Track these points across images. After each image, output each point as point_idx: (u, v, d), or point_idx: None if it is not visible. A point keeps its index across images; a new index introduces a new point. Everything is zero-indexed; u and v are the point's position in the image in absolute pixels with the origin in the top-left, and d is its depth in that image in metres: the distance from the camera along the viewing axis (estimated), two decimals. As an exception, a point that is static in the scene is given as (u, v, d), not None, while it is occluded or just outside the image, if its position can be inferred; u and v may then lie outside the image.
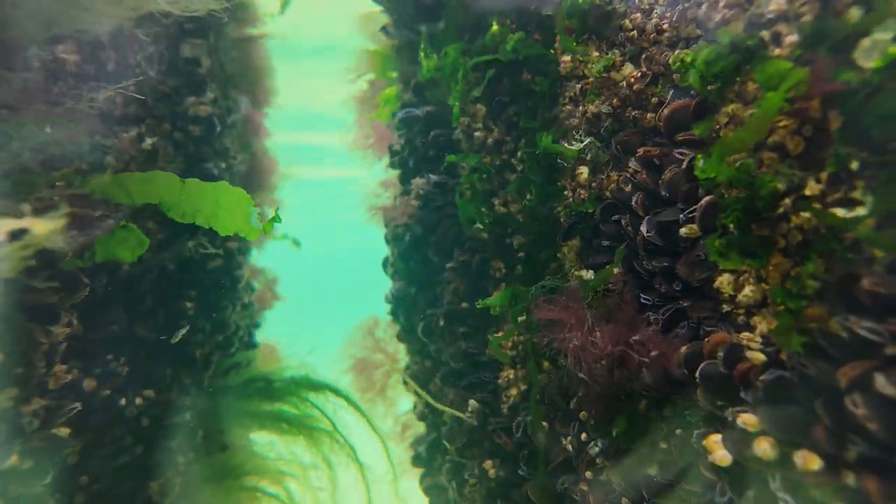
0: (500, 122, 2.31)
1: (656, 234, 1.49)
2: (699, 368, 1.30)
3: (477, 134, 2.40)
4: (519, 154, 2.23)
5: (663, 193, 1.51)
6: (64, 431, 1.56)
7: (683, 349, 1.40)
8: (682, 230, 1.40)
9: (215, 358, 2.90)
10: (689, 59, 1.30)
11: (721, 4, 1.21)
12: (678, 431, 1.50)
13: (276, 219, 2.21)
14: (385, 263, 3.31)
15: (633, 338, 1.51)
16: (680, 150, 1.46)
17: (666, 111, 1.50)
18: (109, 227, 1.90)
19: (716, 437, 1.22)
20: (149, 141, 2.42)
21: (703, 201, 1.32)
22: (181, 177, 2.67)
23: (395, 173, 3.09)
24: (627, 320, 1.58)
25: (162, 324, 2.56)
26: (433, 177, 2.70)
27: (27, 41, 1.36)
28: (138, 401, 2.40)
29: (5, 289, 1.32)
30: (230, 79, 2.99)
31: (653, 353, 1.49)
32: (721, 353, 1.24)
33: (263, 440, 3.06)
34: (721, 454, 1.19)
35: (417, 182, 2.78)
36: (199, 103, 2.64)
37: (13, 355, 1.34)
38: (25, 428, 1.41)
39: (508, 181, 2.30)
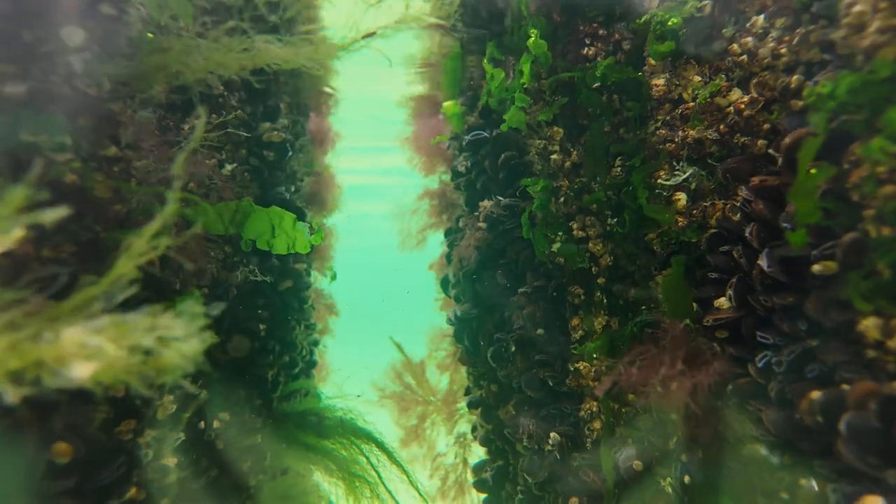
0: (579, 144, 2.26)
1: (779, 269, 1.40)
2: (844, 419, 1.20)
3: (553, 157, 2.35)
4: (598, 178, 2.17)
5: (784, 225, 1.43)
6: (171, 462, 1.59)
7: (817, 394, 1.31)
8: (816, 267, 1.31)
9: (282, 379, 2.93)
10: (826, 91, 1.22)
11: (872, 30, 1.14)
12: (804, 482, 1.39)
13: (320, 232, 2.33)
14: (445, 283, 3.28)
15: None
16: (806, 181, 1.38)
17: (788, 139, 1.42)
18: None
19: (873, 500, 1.12)
20: (228, 167, 2.49)
21: (845, 238, 1.24)
22: (257, 203, 2.73)
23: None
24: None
25: (236, 345, 2.61)
26: (503, 199, 2.67)
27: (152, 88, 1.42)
28: (215, 424, 2.43)
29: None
30: (300, 99, 3.05)
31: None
32: (874, 406, 1.15)
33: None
34: (881, 518, 1.09)
35: (485, 204, 2.75)
36: (273, 129, 2.70)
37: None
38: (142, 460, 1.43)
39: (587, 206, 2.24)
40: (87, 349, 0.86)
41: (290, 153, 2.83)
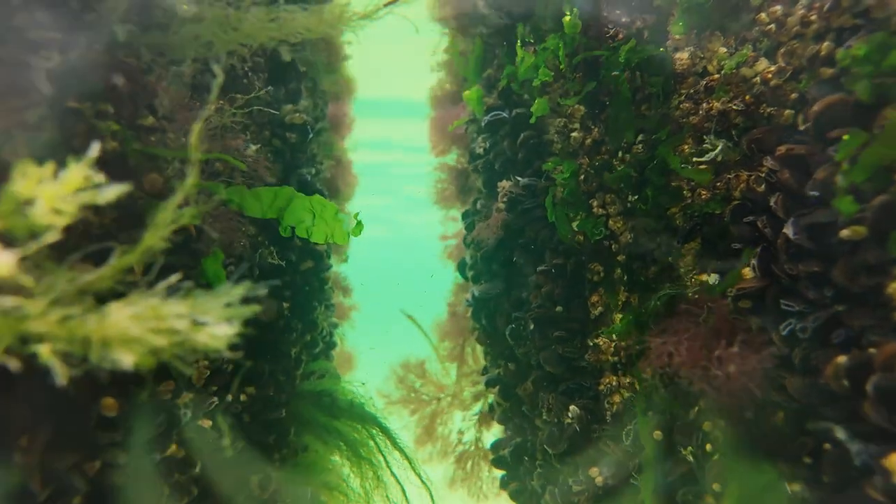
0: (601, 121, 2.26)
1: (805, 237, 1.41)
2: (871, 381, 1.21)
3: (574, 135, 2.36)
4: (620, 154, 2.18)
5: (811, 194, 1.43)
6: (206, 424, 1.65)
7: (843, 359, 1.32)
8: (845, 232, 1.31)
9: (304, 357, 2.99)
10: (861, 53, 1.21)
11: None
12: (828, 446, 1.41)
13: (360, 225, 2.33)
14: (462, 266, 3.31)
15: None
16: (835, 148, 1.38)
17: (817, 107, 1.41)
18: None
19: (899, 456, 1.13)
20: (252, 148, 2.53)
21: (875, 201, 1.24)
22: (280, 184, 2.77)
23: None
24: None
25: (261, 323, 2.67)
26: (522, 179, 2.68)
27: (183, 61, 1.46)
28: (242, 397, 2.50)
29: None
30: (318, 83, 3.08)
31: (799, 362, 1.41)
32: (901, 365, 1.16)
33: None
34: (908, 475, 1.10)
35: (504, 185, 2.76)
36: (296, 111, 2.74)
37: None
38: (181, 419, 1.50)
39: (607, 183, 2.25)
40: (130, 336, 0.90)
41: (311, 135, 2.87)
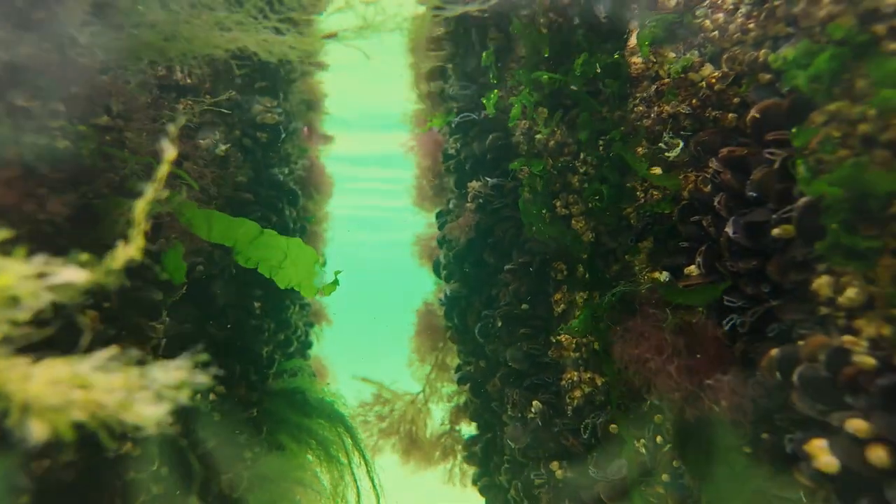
0: (563, 123, 2.32)
1: (744, 235, 1.47)
2: (797, 372, 1.28)
3: (538, 136, 2.41)
4: (582, 156, 2.23)
5: (750, 194, 1.49)
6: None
7: (775, 352, 1.38)
8: (775, 231, 1.37)
9: (277, 356, 3.01)
10: (791, 57, 1.28)
11: (826, 0, 1.20)
12: (765, 436, 1.47)
13: (336, 283, 2.17)
14: (437, 266, 3.35)
15: (708, 381, 1.50)
16: (770, 150, 1.44)
17: (754, 111, 1.48)
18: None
19: (819, 443, 1.19)
20: (222, 147, 2.54)
21: (800, 202, 1.30)
22: (251, 184, 2.77)
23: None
24: (707, 349, 1.57)
25: (231, 322, 2.68)
26: (490, 179, 2.73)
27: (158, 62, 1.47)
28: (211, 396, 2.51)
29: (123, 285, 1.43)
30: (291, 86, 3.10)
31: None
32: (823, 357, 1.22)
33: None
34: (826, 460, 1.16)
35: (474, 185, 2.81)
36: (267, 111, 2.76)
37: (128, 347, 1.45)
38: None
39: (570, 183, 2.31)
40: (45, 404, 0.78)
41: (284, 135, 2.89)
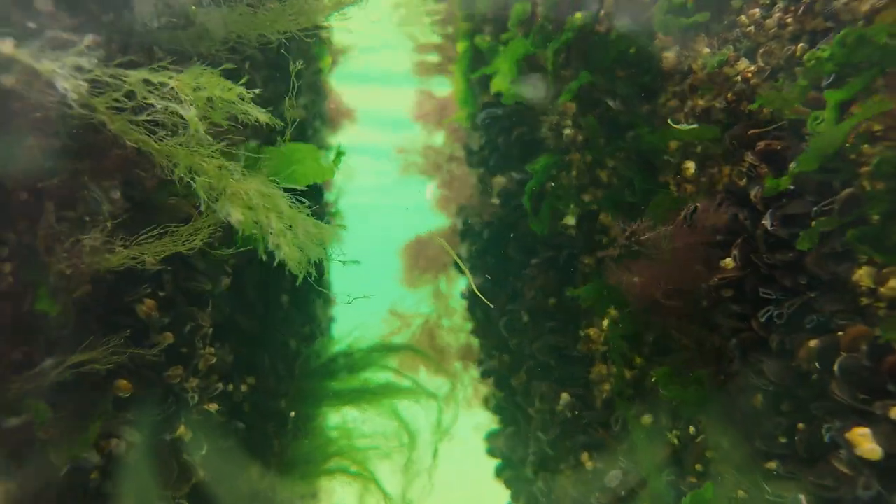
0: (596, 118, 2.34)
1: (782, 227, 1.49)
2: (837, 362, 1.29)
3: (566, 132, 2.44)
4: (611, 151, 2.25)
5: (787, 186, 1.50)
6: (212, 407, 1.72)
7: (814, 342, 1.40)
8: (816, 222, 1.39)
9: (303, 348, 3.06)
10: (825, 55, 1.29)
11: (870, -5, 1.21)
12: (801, 426, 1.49)
13: (342, 152, 2.17)
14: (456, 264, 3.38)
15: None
16: (806, 144, 1.46)
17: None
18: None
19: (861, 431, 1.21)
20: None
21: (843, 193, 1.32)
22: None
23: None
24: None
25: (261, 315, 2.73)
26: (515, 175, 2.76)
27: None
28: (243, 387, 2.57)
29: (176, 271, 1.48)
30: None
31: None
32: (865, 347, 1.24)
33: (347, 420, 3.21)
34: (870, 447, 1.18)
35: (499, 180, 2.84)
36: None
37: (180, 336, 1.51)
38: (189, 402, 1.56)
39: (598, 178, 2.33)
40: None
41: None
